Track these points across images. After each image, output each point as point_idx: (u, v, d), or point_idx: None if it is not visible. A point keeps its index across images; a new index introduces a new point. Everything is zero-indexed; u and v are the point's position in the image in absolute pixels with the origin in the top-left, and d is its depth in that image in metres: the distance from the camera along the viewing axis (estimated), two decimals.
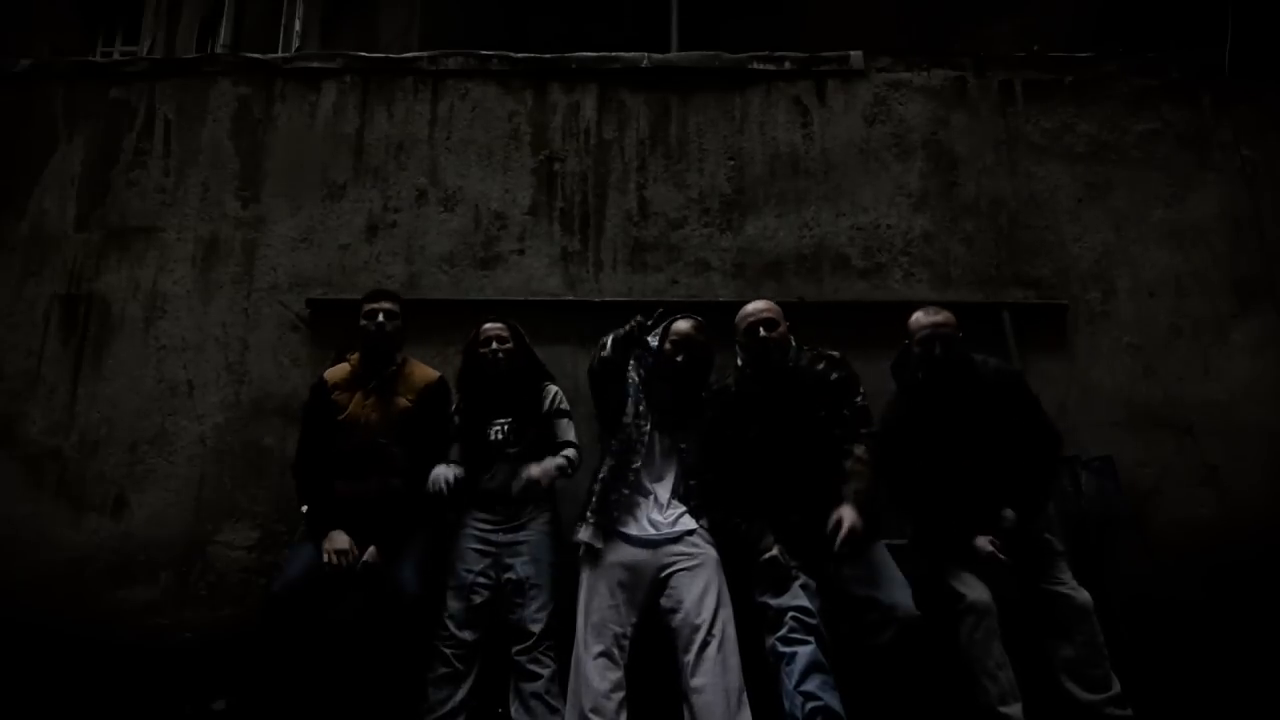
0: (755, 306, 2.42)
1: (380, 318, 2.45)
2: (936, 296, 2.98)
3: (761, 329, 2.33)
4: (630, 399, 2.39)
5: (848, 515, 2.11)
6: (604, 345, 2.37)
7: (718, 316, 2.97)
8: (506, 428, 2.42)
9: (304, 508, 2.39)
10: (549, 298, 3.12)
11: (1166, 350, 3.05)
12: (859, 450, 2.27)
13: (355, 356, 2.52)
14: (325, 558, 2.20)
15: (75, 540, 2.88)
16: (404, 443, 2.38)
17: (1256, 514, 2.84)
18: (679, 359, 2.38)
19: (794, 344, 2.40)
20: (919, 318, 2.37)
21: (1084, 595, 2.17)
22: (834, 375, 2.36)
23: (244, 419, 3.01)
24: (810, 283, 3.14)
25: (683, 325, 2.43)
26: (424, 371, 2.55)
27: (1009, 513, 2.25)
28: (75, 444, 2.98)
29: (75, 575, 2.84)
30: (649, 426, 2.37)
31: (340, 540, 2.24)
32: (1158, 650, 2.45)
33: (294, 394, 2.98)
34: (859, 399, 2.36)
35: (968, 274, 3.14)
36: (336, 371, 2.51)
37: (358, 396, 2.43)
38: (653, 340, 2.46)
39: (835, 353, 2.44)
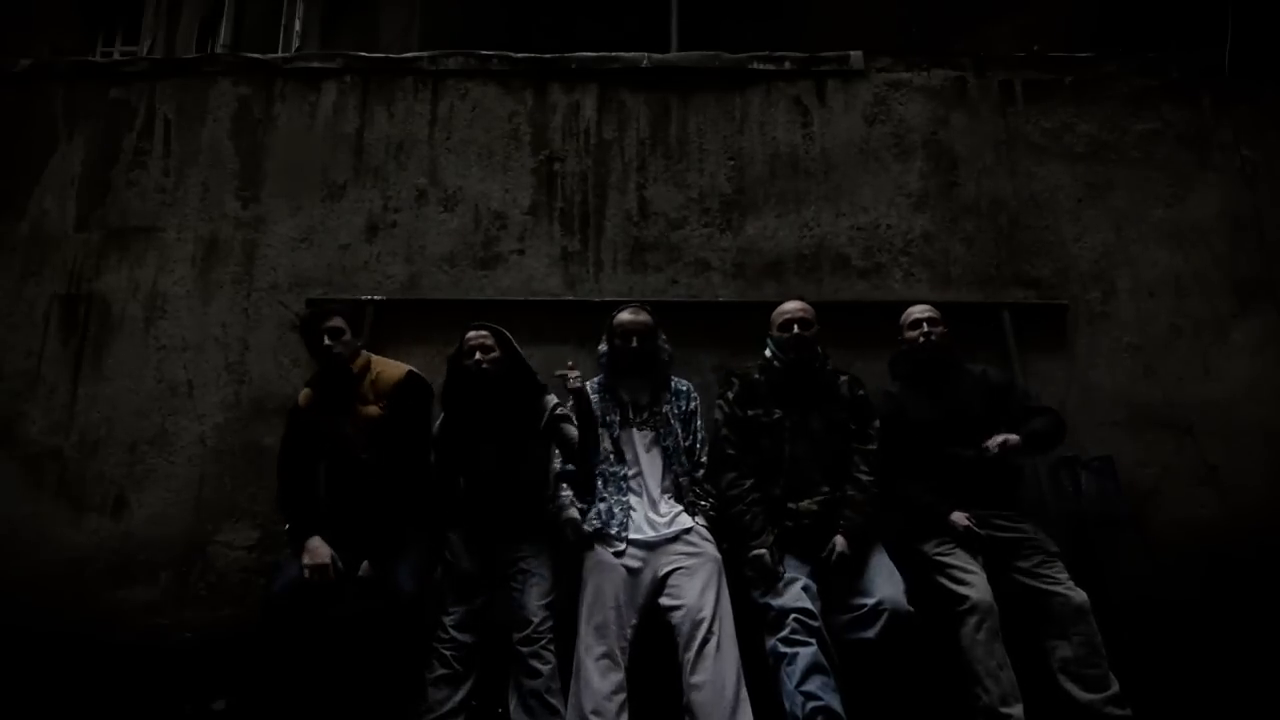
0: (793, 305, 2.51)
1: (326, 340, 2.32)
2: (936, 297, 2.98)
3: (797, 326, 2.42)
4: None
5: (839, 543, 2.23)
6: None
7: (718, 316, 2.99)
8: (497, 453, 2.33)
9: (286, 526, 2.36)
10: (549, 298, 3.12)
11: (1166, 350, 3.05)
12: (864, 477, 2.34)
13: (314, 377, 2.44)
14: (305, 573, 2.15)
15: (75, 540, 2.88)
16: (383, 450, 2.31)
17: (1256, 514, 2.84)
18: (634, 344, 2.40)
19: (820, 350, 2.47)
20: (910, 309, 2.63)
21: (1081, 595, 2.18)
22: (859, 392, 2.48)
23: (244, 419, 3.01)
24: (810, 283, 3.14)
25: (622, 315, 2.46)
26: (390, 371, 2.42)
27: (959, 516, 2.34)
28: (75, 444, 2.98)
29: (75, 575, 2.84)
30: (619, 430, 2.40)
31: (321, 554, 2.17)
32: (1158, 650, 2.45)
33: (294, 394, 2.96)
34: (877, 423, 2.45)
35: (968, 274, 3.14)
36: (305, 397, 2.43)
37: (329, 417, 2.35)
38: (602, 346, 2.49)
39: (856, 375, 2.55)
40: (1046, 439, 2.43)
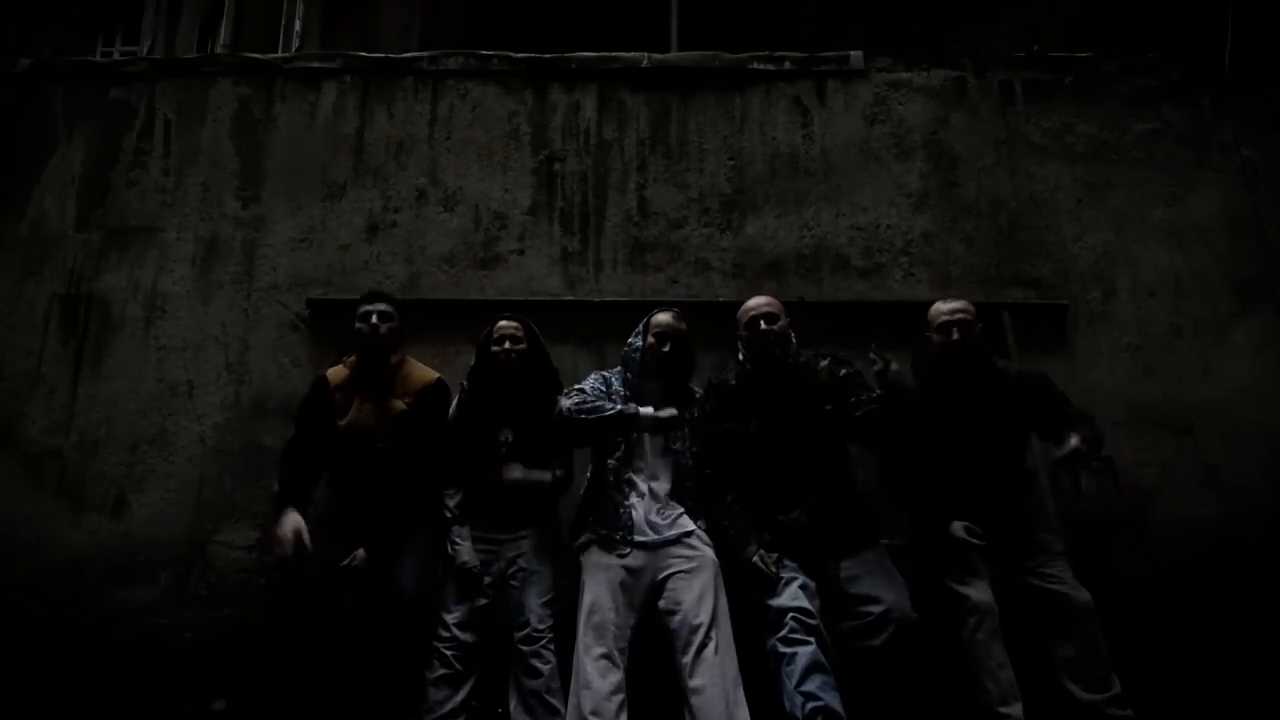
0: (757, 300, 2.44)
1: (374, 319, 2.40)
2: (936, 297, 2.96)
3: (763, 322, 2.35)
4: None
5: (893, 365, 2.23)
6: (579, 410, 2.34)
7: (718, 316, 2.98)
8: (513, 437, 2.38)
9: (275, 487, 2.37)
10: (549, 298, 3.12)
11: (1166, 350, 3.05)
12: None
13: (352, 359, 2.49)
14: (276, 538, 2.17)
15: (75, 540, 2.88)
16: (402, 445, 2.36)
17: (1256, 514, 2.84)
18: (665, 349, 2.38)
19: (794, 341, 2.41)
20: (938, 306, 2.42)
21: (1084, 595, 2.17)
22: (842, 371, 2.38)
23: (244, 419, 3.01)
24: (810, 283, 3.14)
25: (662, 316, 2.44)
26: (422, 372, 2.51)
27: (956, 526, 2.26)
28: (75, 444, 2.98)
29: (75, 575, 2.84)
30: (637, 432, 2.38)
31: (288, 522, 2.19)
32: (1158, 650, 2.45)
33: (294, 394, 2.97)
34: (874, 393, 2.35)
35: (968, 274, 3.14)
36: (337, 374, 2.49)
37: (356, 401, 2.40)
38: (635, 339, 2.47)
39: (840, 353, 2.46)
40: (1096, 450, 2.26)
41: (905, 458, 2.39)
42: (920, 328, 2.66)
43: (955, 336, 2.33)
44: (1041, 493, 2.70)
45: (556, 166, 3.30)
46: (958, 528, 2.24)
